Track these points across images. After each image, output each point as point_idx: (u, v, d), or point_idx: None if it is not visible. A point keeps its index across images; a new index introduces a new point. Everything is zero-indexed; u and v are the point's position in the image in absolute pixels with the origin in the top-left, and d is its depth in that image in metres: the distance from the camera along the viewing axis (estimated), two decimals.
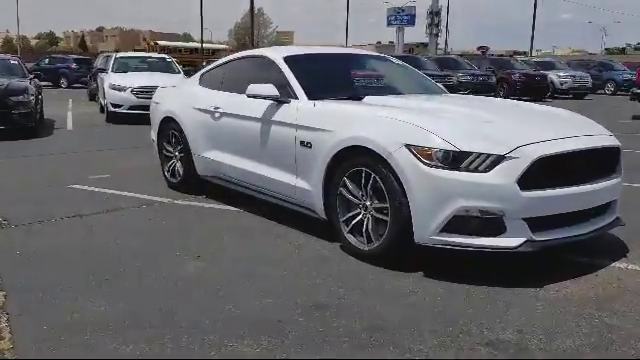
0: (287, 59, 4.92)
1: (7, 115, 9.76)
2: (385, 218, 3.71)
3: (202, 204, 5.54)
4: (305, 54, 5.23)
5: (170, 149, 6.18)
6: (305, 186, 4.35)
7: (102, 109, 14.68)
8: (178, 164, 6.07)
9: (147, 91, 12.68)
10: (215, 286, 3.49)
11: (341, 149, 3.94)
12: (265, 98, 4.64)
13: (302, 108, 4.40)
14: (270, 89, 4.58)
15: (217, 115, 5.35)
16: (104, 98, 13.38)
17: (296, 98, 4.54)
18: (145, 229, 4.70)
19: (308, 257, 4.04)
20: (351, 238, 3.99)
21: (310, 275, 3.68)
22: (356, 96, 4.59)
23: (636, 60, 46.70)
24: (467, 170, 3.41)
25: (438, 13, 48.11)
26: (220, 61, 5.90)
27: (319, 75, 5.00)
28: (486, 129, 3.68)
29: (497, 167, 3.38)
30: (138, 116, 12.60)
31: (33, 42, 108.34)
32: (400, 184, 3.55)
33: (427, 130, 3.54)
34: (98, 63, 19.87)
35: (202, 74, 6.08)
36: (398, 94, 4.91)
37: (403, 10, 47.86)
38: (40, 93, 11.71)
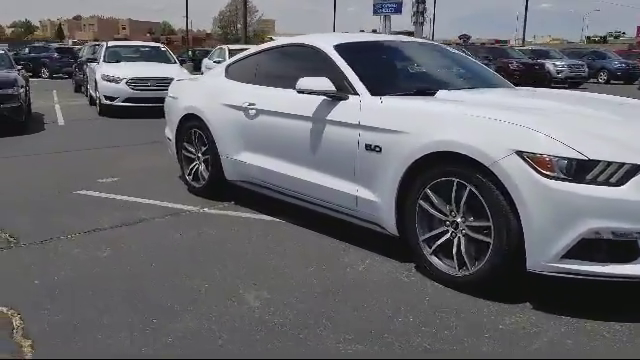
0: (339, 48, 4.27)
1: None
2: (485, 239, 3.10)
3: (236, 213, 4.89)
4: (357, 42, 4.57)
5: (192, 150, 5.50)
6: (370, 197, 3.72)
7: (92, 101, 13.86)
8: (202, 167, 5.40)
9: (143, 82, 11.96)
10: (289, 329, 2.85)
11: (423, 155, 3.31)
12: (319, 94, 3.98)
13: (366, 105, 3.76)
14: (325, 83, 3.93)
15: (252, 113, 4.69)
16: (95, 90, 12.55)
17: (355, 94, 3.91)
18: (179, 247, 4.04)
19: (381, 284, 3.42)
20: (436, 261, 3.38)
21: (391, 308, 3.06)
22: (426, 90, 3.96)
23: (622, 49, 46.67)
24: (595, 183, 2.81)
25: (424, 1, 47.49)
26: (250, 51, 5.22)
27: (378, 66, 4.38)
28: (609, 131, 3.08)
29: (633, 179, 2.78)
30: (134, 109, 11.86)
31: (8, 31, 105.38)
32: (508, 199, 2.95)
33: (543, 133, 2.93)
34: (84, 52, 18.99)
35: (228, 65, 5.39)
36: (470, 88, 4.29)
37: None
38: (28, 85, 10.86)
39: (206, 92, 5.33)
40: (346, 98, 3.92)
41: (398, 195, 3.51)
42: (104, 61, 12.99)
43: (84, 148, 8.20)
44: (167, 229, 4.45)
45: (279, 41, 4.99)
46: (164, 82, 12.10)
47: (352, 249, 3.97)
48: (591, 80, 28.06)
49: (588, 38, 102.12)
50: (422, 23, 48.19)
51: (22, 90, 9.63)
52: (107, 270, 3.59)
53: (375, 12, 47.60)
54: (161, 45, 15.31)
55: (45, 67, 27.44)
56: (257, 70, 4.96)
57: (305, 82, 3.99)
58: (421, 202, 3.41)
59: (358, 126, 3.74)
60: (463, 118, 3.26)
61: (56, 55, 28.26)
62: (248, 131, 4.77)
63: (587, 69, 26.38)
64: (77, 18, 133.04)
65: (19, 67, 10.95)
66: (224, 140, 5.00)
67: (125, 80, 11.96)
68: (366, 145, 3.68)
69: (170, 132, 5.90)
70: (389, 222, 3.63)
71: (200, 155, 5.41)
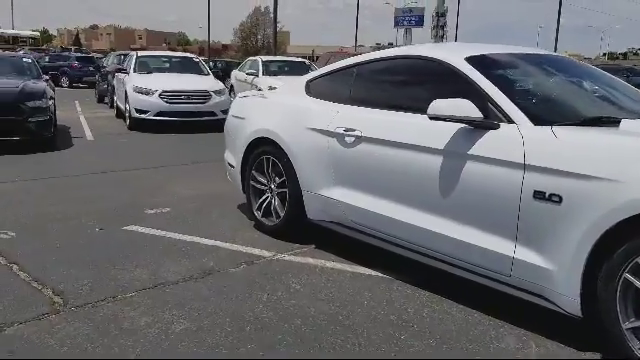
0: (473, 61, 3.36)
1: (22, 124, 8.14)
2: None
3: (326, 263, 3.96)
4: (496, 54, 3.65)
5: (263, 180, 4.60)
6: (536, 261, 2.79)
7: (119, 114, 13.08)
8: (276, 201, 4.50)
9: (177, 95, 11.17)
10: None
11: (637, 215, 2.37)
12: (458, 121, 3.07)
13: (532, 138, 2.85)
14: (468, 108, 3.02)
15: (350, 140, 3.78)
16: (125, 102, 11.73)
17: (509, 122, 2.99)
18: (273, 319, 3.12)
19: None
20: None
21: None
22: (602, 119, 3.02)
23: None
24: None
25: (444, 14, 46.73)
26: (341, 64, 4.31)
27: (530, 86, 3.46)
28: None
29: None
30: (166, 123, 11.04)
31: None
32: None
33: None
34: (109, 62, 18.27)
35: (310, 81, 4.50)
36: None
37: (411, 11, 46.62)
38: (54, 97, 10.06)
39: (284, 112, 4.44)
40: (496, 127, 3.01)
41: (586, 264, 2.57)
42: (135, 72, 12.18)
43: (122, 169, 7.33)
44: (247, 286, 3.53)
45: (382, 52, 4.08)
46: (198, 95, 11.32)
47: (506, 328, 3.02)
48: None
49: (610, 54, 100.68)
50: (442, 37, 47.44)
51: (51, 102, 8.82)
52: (193, 353, 2.68)
53: (396, 24, 46.96)
54: (193, 56, 14.51)
55: (66, 76, 26.79)
56: (353, 87, 4.06)
57: (441, 105, 3.08)
58: (628, 276, 2.46)
59: (521, 166, 2.81)
60: None
61: (76, 64, 27.60)
62: (343, 162, 3.86)
63: None
64: (94, 27, 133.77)
65: (46, 77, 10.14)
66: (308, 171, 4.10)
67: (158, 92, 11.15)
68: (535, 192, 2.75)
69: (232, 157, 5.01)
70: (568, 298, 2.69)
71: (274, 187, 4.51)
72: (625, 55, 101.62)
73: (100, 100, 18.02)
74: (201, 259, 3.98)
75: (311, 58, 32.58)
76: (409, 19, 45.75)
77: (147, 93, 11.19)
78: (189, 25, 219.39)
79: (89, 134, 10.67)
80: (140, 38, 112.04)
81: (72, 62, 27.56)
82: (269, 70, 15.00)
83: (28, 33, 55.70)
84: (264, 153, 4.54)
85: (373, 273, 3.76)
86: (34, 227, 4.64)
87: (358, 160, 3.74)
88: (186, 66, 13.05)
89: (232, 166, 5.02)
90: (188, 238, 4.45)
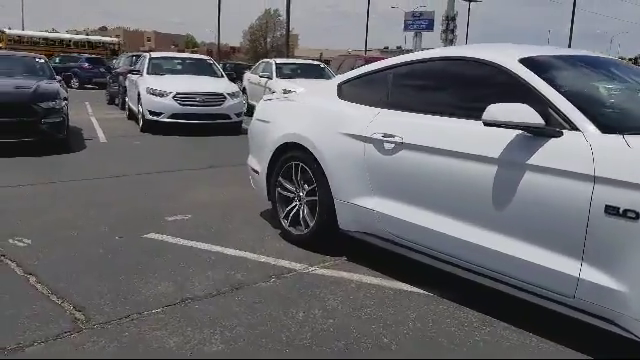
0: (528, 63, 3.12)
1: (35, 125, 7.93)
2: None
3: (360, 277, 3.73)
4: (552, 56, 3.40)
5: (291, 188, 4.36)
6: (606, 283, 2.55)
7: (131, 116, 12.89)
8: (305, 210, 4.26)
9: (191, 97, 10.96)
10: None
11: None
12: (516, 127, 2.82)
13: (602, 147, 2.60)
14: (527, 113, 2.78)
15: (389, 147, 3.54)
16: (138, 104, 11.53)
17: (574, 129, 2.74)
18: (311, 338, 2.87)
19: None
20: None
21: None
22: None
23: None
24: None
25: (454, 18, 46.52)
26: (375, 66, 4.07)
27: (593, 90, 3.20)
28: None
29: None
30: (179, 126, 10.83)
31: None
32: None
33: None
34: (121, 63, 18.12)
35: (342, 84, 4.26)
36: None
37: (421, 14, 46.46)
38: (67, 97, 9.86)
39: (315, 116, 4.21)
40: (559, 135, 2.76)
41: None
42: (148, 73, 11.98)
43: (137, 172, 7.12)
44: (280, 302, 3.29)
45: (421, 54, 3.83)
46: (213, 97, 11.13)
47: (567, 354, 2.76)
48: None
49: (620, 59, 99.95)
50: (452, 41, 47.24)
51: (64, 103, 8.62)
52: None
53: (406, 28, 46.79)
54: (207, 57, 14.31)
55: (76, 77, 26.67)
56: (391, 91, 3.82)
57: (497, 110, 2.83)
58: None
59: (590, 178, 2.56)
60: None
61: (86, 65, 27.50)
62: (380, 170, 3.62)
63: None
64: (103, 29, 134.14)
65: (59, 77, 9.95)
66: (341, 179, 3.86)
67: (172, 94, 10.94)
68: (607, 207, 2.50)
69: (257, 163, 4.78)
70: None
71: (303, 195, 4.27)
72: (636, 60, 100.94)
73: (111, 102, 17.86)
74: (228, 271, 3.75)
75: (319, 61, 32.30)
76: (419, 23, 45.59)
77: (161, 95, 10.98)
78: (196, 27, 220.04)
79: (102, 136, 10.47)
80: (149, 40, 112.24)
81: (82, 63, 27.46)
82: (283, 73, 14.77)
83: (108, 39, 53.53)
84: (292, 159, 4.30)
85: (414, 289, 3.51)
86: (50, 234, 4.42)
87: (398, 168, 3.49)
88: (200, 68, 12.85)
89: (256, 172, 4.79)
90: (212, 248, 4.21)
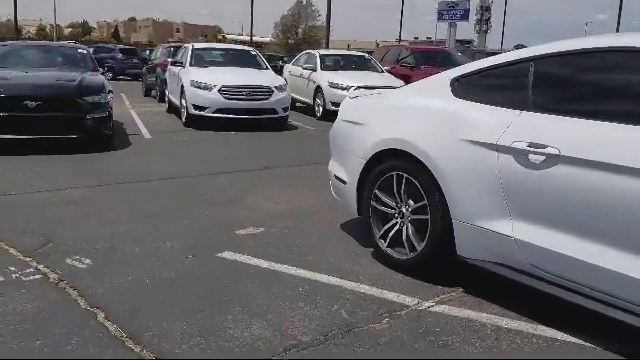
0: None
1: (80, 120, 7.41)
2: None
3: (496, 319, 3.06)
4: None
5: (391, 203, 3.70)
6: None
7: (171, 109, 12.36)
8: (409, 229, 3.59)
9: (237, 91, 10.38)
10: None
11: None
12: None
13: None
14: None
15: (539, 159, 2.84)
16: (181, 98, 10.98)
17: None
18: None
19: None
20: None
21: None
22: None
23: None
24: None
25: (488, 8, 45.27)
26: (504, 58, 3.36)
27: None
28: None
29: None
30: (224, 121, 10.23)
31: (67, 31, 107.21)
32: None
33: None
34: (158, 54, 17.63)
35: (457, 79, 3.56)
36: None
37: (456, 4, 45.28)
38: (112, 91, 9.34)
39: (425, 119, 3.53)
40: None
41: None
42: (191, 65, 11.40)
43: (189, 173, 6.54)
44: (406, 354, 2.63)
45: (573, 43, 3.08)
46: (260, 91, 10.52)
47: None
48: None
49: None
50: (486, 31, 46.07)
51: (110, 97, 8.09)
52: None
53: (440, 18, 45.62)
54: (250, 48, 13.71)
55: (109, 69, 26.36)
56: (535, 88, 3.11)
57: None
58: None
59: None
60: None
61: (120, 56, 27.21)
62: (523, 188, 2.93)
63: None
64: (132, 20, 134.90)
65: (102, 70, 9.43)
66: (463, 196, 3.18)
67: (217, 88, 10.35)
68: None
69: (343, 171, 4.13)
70: None
71: (406, 212, 3.61)
72: None
73: (147, 94, 17.45)
74: (329, 306, 3.11)
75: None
76: (453, 13, 44.40)
77: (206, 88, 10.41)
78: (224, 19, 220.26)
79: (145, 131, 9.95)
80: (178, 31, 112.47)
81: (116, 54, 27.16)
82: (327, 64, 14.09)
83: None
84: (394, 169, 3.64)
85: (570, 339, 2.82)
86: (110, 252, 3.84)
87: (551, 187, 2.80)
88: (244, 59, 12.23)
89: (343, 182, 4.14)
90: (300, 272, 3.59)
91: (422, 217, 3.48)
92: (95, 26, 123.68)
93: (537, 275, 2.96)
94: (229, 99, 10.33)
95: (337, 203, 4.42)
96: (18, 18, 35.69)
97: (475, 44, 45.98)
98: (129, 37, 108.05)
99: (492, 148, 3.06)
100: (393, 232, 3.71)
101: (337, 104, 12.78)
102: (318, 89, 13.20)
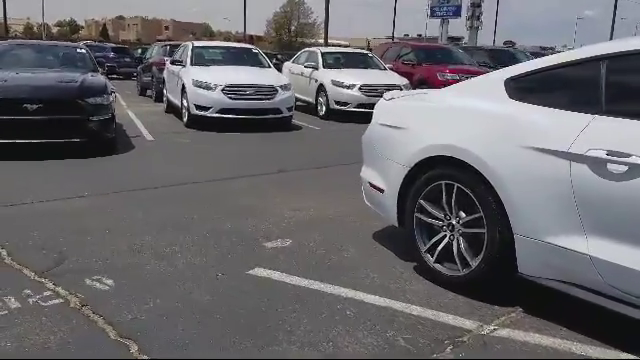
0: None
1: (83, 123, 7.06)
2: None
3: (567, 344, 2.78)
4: None
5: (439, 214, 3.42)
6: None
7: (170, 109, 12.01)
8: (461, 244, 3.31)
9: (241, 90, 10.04)
10: None
11: None
12: None
13: None
14: None
15: (620, 169, 2.58)
16: (182, 98, 10.64)
17: None
18: None
19: None
20: None
21: None
22: None
23: None
24: None
25: (479, 5, 45.06)
26: (569, 56, 3.07)
27: None
28: None
29: None
30: (226, 121, 9.91)
31: (54, 29, 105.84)
32: None
33: None
34: (153, 52, 17.24)
35: (513, 79, 3.28)
36: None
37: (449, 1, 45.11)
38: (115, 91, 8.99)
39: (478, 123, 3.24)
40: None
41: None
42: (192, 64, 11.05)
43: (201, 178, 6.22)
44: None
45: None
46: (264, 90, 10.20)
47: None
48: None
49: None
50: (478, 28, 45.94)
51: (112, 98, 7.73)
52: None
53: (432, 15, 45.43)
54: (252, 46, 13.36)
55: (101, 68, 25.88)
56: (608, 91, 2.83)
57: None
58: None
59: None
60: None
61: (112, 55, 26.72)
62: (601, 200, 2.65)
63: None
64: (120, 18, 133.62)
65: (101, 70, 9.06)
66: (528, 209, 2.90)
67: (221, 87, 10.01)
68: None
69: (381, 178, 3.84)
70: None
71: (457, 224, 3.33)
72: None
73: (142, 93, 17.10)
74: (382, 332, 2.83)
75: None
76: (446, 9, 44.29)
77: (208, 88, 10.07)
78: (212, 17, 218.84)
79: (146, 133, 9.60)
80: (167, 29, 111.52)
81: (108, 53, 26.65)
82: (329, 62, 13.76)
83: None
84: (443, 177, 3.35)
85: None
86: (132, 270, 3.53)
87: (636, 200, 2.52)
88: (245, 58, 11.90)
89: (380, 190, 3.85)
90: (342, 292, 3.29)
91: (476, 231, 3.20)
92: (83, 24, 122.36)
93: (615, 296, 2.68)
94: (233, 99, 10.00)
95: (368, 211, 4.14)
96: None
97: (465, 41, 45.82)
98: (118, 35, 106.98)
99: (563, 156, 2.78)
100: (441, 246, 3.42)
101: (341, 103, 12.68)
102: (321, 88, 12.90)
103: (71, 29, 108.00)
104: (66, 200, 5.12)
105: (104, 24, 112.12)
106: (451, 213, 3.37)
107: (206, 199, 5.38)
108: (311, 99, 13.33)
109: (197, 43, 12.37)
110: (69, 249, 3.83)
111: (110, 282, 3.32)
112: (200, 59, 11.30)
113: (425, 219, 3.51)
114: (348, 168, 7.09)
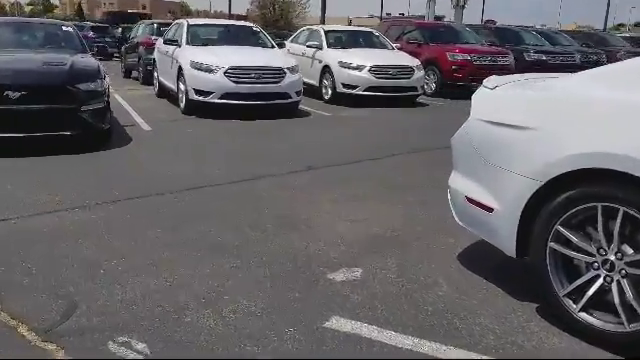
0: None
1: (73, 113, 6.00)
2: None
3: None
4: None
5: (587, 247, 2.54)
6: None
7: (162, 93, 10.96)
8: (627, 289, 2.43)
9: (247, 73, 9.04)
10: None
11: None
12: None
13: None
14: None
15: None
16: (178, 81, 9.58)
17: None
18: None
19: None
20: None
21: None
22: None
23: None
24: None
25: None
26: None
27: None
28: None
29: None
30: (229, 107, 8.87)
31: (27, 8, 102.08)
32: None
33: None
34: (139, 32, 16.01)
35: None
36: None
37: None
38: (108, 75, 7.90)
39: None
40: None
41: None
42: (188, 44, 9.96)
43: (221, 179, 5.28)
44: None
45: None
46: (271, 73, 9.19)
47: None
48: None
49: (620, 26, 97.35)
50: (463, 6, 45.25)
51: (107, 84, 6.68)
52: None
53: None
54: (253, 25, 12.26)
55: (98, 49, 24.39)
56: None
57: None
58: None
59: None
60: None
61: (92, 34, 25.29)
62: None
63: None
64: None
65: (91, 51, 7.96)
66: None
67: (223, 70, 8.97)
68: None
69: (488, 193, 2.93)
70: None
71: (619, 262, 2.44)
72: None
73: (127, 75, 15.98)
74: None
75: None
76: None
77: (209, 70, 9.02)
78: None
79: (141, 121, 8.57)
80: (144, 7, 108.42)
81: (87, 32, 25.18)
82: (332, 42, 12.71)
83: None
84: (598, 198, 2.45)
85: None
86: (170, 324, 2.60)
87: None
88: (246, 37, 10.85)
89: (488, 209, 2.93)
90: (461, 355, 2.39)
91: None
92: (57, 3, 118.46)
93: None
94: (237, 83, 8.97)
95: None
96: None
97: (449, 19, 44.99)
98: (93, 14, 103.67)
99: None
100: (593, 291, 2.53)
101: (349, 86, 11.64)
102: (326, 69, 11.91)
103: (45, 7, 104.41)
104: (67, 213, 4.14)
105: (79, 2, 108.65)
106: (608, 246, 2.47)
107: (234, 207, 4.43)
108: (314, 82, 12.28)
109: (192, 21, 11.24)
110: (79, 290, 2.88)
111: (143, 346, 2.38)
112: (197, 38, 10.24)
113: (565, 252, 2.61)
114: (382, 164, 6.25)
